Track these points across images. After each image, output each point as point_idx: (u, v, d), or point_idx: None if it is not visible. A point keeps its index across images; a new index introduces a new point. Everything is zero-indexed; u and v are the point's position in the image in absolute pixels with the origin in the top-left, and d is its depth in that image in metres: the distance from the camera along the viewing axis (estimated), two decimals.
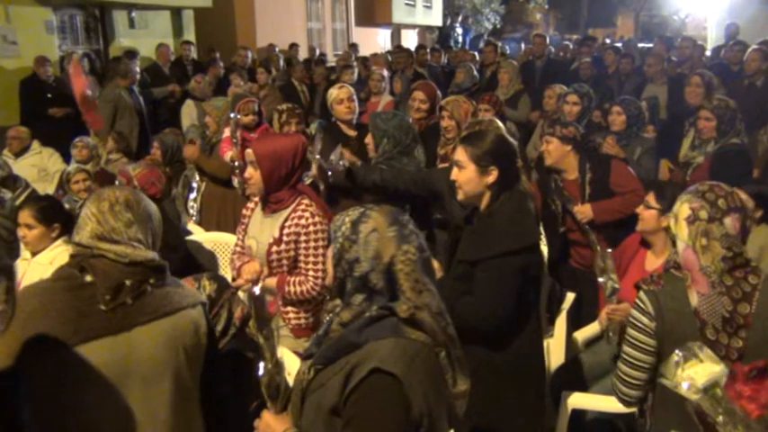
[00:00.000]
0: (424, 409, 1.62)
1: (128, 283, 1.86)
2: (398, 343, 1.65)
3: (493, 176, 2.60)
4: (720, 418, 1.64)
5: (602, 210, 3.82)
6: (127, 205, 1.95)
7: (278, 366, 1.91)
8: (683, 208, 2.24)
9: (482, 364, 2.56)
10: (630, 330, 2.30)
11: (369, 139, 3.86)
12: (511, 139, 2.74)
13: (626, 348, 2.32)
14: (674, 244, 2.31)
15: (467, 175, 2.63)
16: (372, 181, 3.61)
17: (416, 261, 1.73)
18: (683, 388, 1.69)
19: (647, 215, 3.14)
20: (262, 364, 1.89)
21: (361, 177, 3.65)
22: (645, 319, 2.24)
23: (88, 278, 1.85)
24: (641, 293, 2.28)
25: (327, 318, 1.89)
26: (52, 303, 1.82)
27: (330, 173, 3.61)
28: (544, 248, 3.99)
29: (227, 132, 4.93)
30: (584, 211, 3.87)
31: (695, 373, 1.68)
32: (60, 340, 1.78)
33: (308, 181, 3.71)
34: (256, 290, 1.98)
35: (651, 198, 3.17)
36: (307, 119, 6.99)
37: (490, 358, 2.60)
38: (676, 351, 1.74)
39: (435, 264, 2.72)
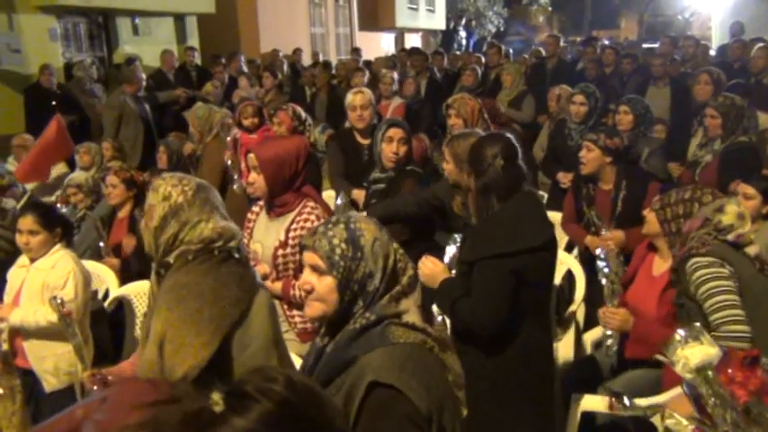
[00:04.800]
0: (433, 405, 1.60)
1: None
2: (387, 351, 1.63)
3: (471, 180, 2.62)
4: (712, 401, 1.64)
5: (635, 239, 3.46)
6: (213, 205, 2.21)
7: None
8: (733, 205, 2.71)
9: (479, 366, 2.53)
10: (709, 284, 2.56)
11: (388, 148, 3.74)
12: (490, 147, 2.62)
13: (717, 298, 2.54)
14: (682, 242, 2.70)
15: (449, 168, 2.81)
16: (377, 216, 3.58)
17: (405, 253, 1.74)
18: (678, 367, 1.69)
19: (652, 218, 3.09)
20: None
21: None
22: (718, 268, 2.58)
23: (236, 255, 2.18)
24: (694, 259, 2.61)
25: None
26: (225, 283, 2.09)
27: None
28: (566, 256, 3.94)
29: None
30: (616, 238, 3.62)
31: (691, 354, 1.69)
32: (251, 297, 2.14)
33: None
34: None
35: (657, 201, 3.13)
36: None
37: (487, 360, 2.57)
38: (678, 331, 1.75)
39: (440, 264, 2.72)
